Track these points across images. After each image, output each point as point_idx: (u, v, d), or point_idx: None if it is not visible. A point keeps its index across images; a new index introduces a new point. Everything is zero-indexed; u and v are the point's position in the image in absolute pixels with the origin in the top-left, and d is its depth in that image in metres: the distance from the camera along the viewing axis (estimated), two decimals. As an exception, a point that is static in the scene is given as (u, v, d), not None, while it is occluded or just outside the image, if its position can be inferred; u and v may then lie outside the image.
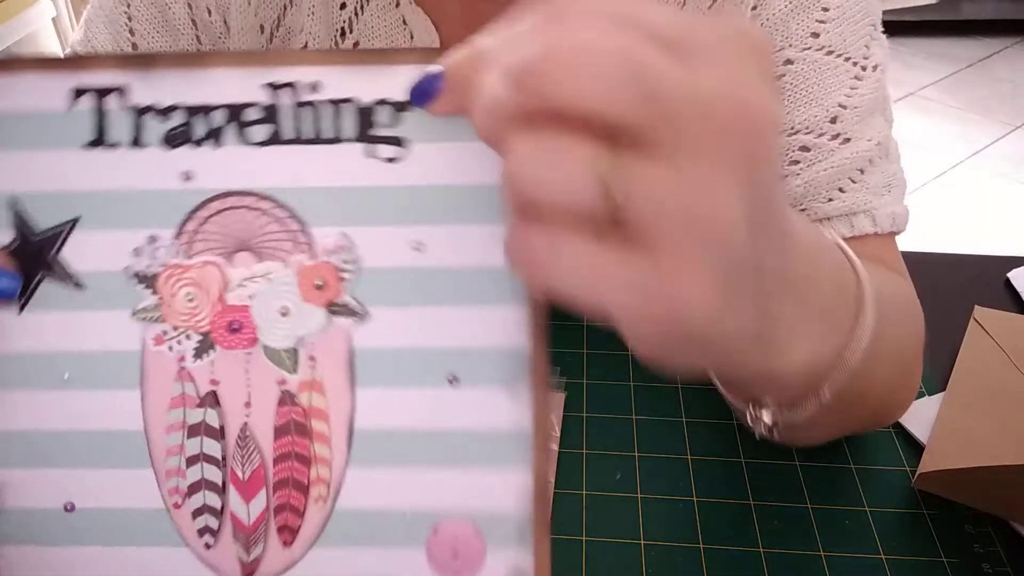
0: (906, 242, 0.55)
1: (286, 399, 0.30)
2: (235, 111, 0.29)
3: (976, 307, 0.66)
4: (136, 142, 0.29)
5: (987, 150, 2.44)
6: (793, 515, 0.50)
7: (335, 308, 0.30)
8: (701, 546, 0.48)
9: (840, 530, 0.49)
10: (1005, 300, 0.69)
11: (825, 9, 0.54)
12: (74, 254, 0.30)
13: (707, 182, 0.23)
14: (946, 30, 3.01)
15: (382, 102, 0.29)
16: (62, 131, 0.29)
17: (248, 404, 0.30)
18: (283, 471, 0.31)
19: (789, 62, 0.54)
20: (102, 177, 0.29)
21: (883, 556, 0.48)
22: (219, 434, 0.30)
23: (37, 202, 0.30)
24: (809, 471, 0.52)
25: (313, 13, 0.56)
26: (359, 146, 0.29)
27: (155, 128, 0.29)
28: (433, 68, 0.27)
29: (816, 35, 0.54)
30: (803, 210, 0.54)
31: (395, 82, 0.28)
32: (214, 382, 0.30)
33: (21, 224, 0.30)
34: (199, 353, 0.30)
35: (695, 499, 0.51)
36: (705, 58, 0.24)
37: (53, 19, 1.99)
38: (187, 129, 0.29)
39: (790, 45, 0.54)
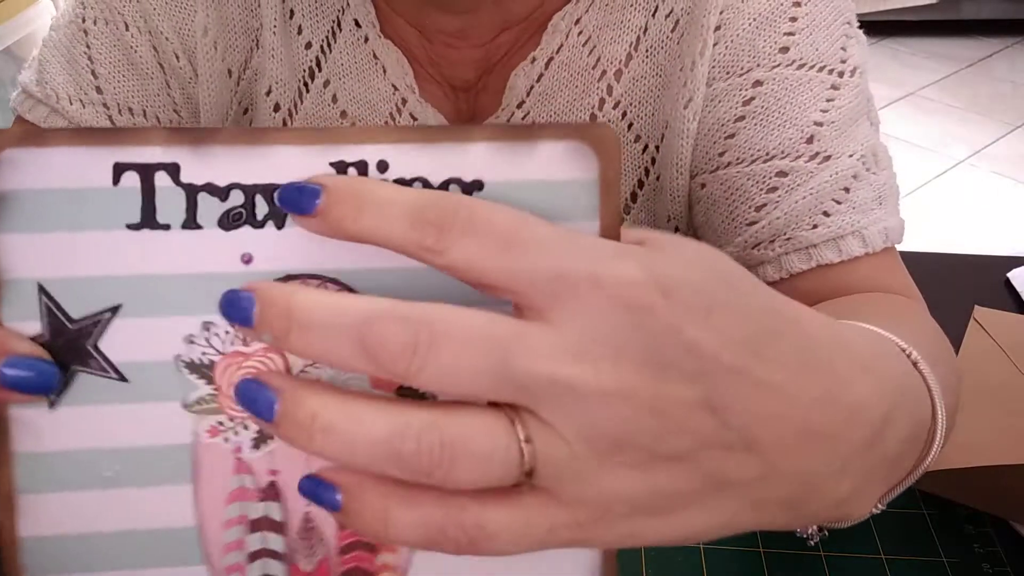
0: (906, 242, 0.54)
1: None
2: None
3: (976, 307, 0.67)
4: (189, 223, 0.27)
5: (987, 150, 2.44)
6: (793, 515, 0.50)
7: (405, 392, 0.28)
8: (701, 546, 0.48)
9: (840, 530, 0.49)
10: (1005, 300, 0.69)
11: (793, 19, 0.51)
12: (116, 343, 0.27)
13: (588, 459, 0.23)
14: (946, 30, 3.01)
15: (452, 182, 0.27)
16: (102, 211, 0.27)
17: None
18: (350, 561, 0.29)
19: (758, 83, 0.51)
20: (149, 260, 0.27)
21: (883, 556, 0.48)
22: (281, 527, 0.29)
23: (72, 288, 0.27)
24: (809, 471, 0.52)
25: (274, 55, 0.55)
26: None
27: (211, 208, 0.27)
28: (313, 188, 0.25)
29: (786, 49, 0.51)
30: (788, 240, 0.51)
31: (465, 161, 0.27)
32: (273, 472, 0.29)
33: (51, 313, 0.27)
34: (258, 443, 0.28)
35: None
36: (561, 326, 0.23)
37: (53, 19, 2.00)
38: (247, 210, 0.27)
39: (758, 65, 0.51)
